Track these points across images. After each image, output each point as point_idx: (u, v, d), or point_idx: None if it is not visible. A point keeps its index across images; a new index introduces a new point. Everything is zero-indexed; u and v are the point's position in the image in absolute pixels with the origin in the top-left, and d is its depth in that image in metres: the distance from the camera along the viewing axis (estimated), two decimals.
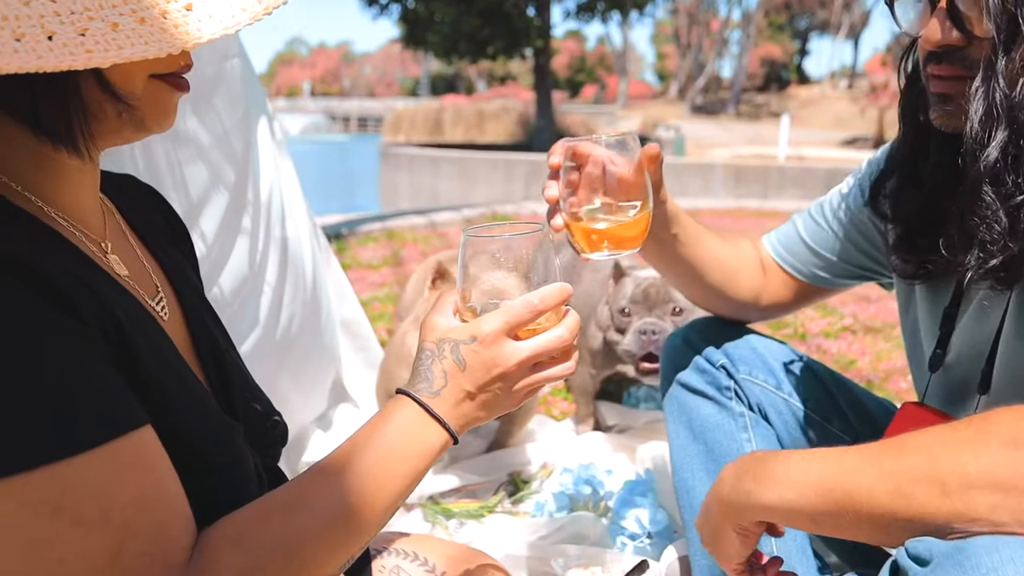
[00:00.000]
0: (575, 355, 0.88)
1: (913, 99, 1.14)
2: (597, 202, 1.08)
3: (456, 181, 13.94)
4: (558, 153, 1.08)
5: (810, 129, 28.90)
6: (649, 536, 1.66)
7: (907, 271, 1.19)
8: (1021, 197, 0.91)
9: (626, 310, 2.10)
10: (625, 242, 1.09)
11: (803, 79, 49.02)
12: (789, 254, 1.42)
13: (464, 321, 0.86)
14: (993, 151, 0.93)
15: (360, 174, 21.46)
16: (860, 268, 1.36)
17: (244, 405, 0.93)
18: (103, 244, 0.81)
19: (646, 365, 2.07)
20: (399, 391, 0.85)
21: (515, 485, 2.00)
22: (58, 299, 0.64)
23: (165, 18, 0.63)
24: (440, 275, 1.86)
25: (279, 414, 1.02)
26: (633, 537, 1.66)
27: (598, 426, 2.35)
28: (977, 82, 0.94)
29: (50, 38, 0.59)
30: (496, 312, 0.83)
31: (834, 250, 1.36)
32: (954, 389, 1.17)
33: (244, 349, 1.65)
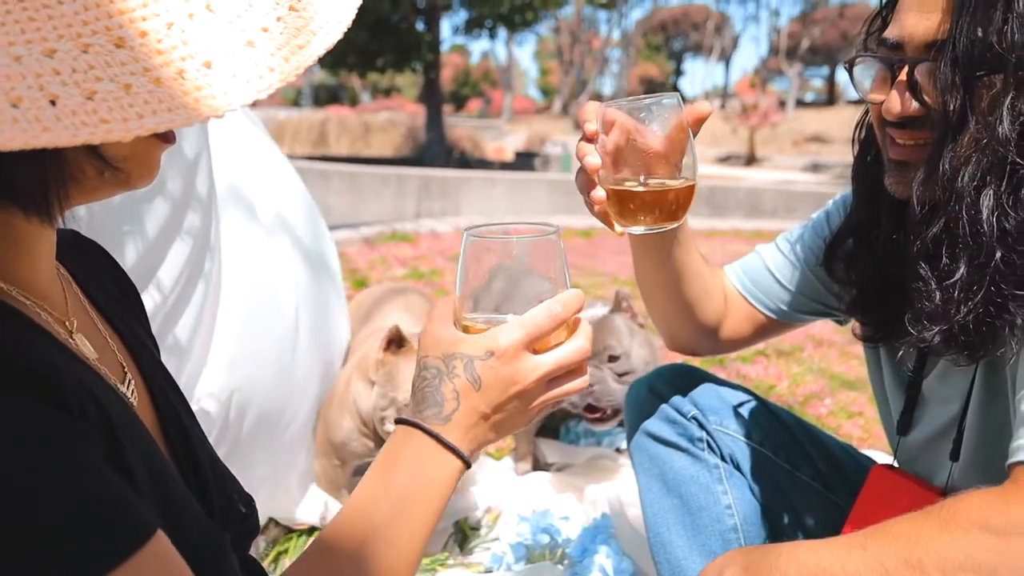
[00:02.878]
0: (587, 367, 0.83)
1: (866, 166, 1.17)
2: (639, 174, 1.00)
3: (346, 196, 13.61)
4: (593, 119, 1.01)
5: None
6: None
7: (866, 333, 1.22)
8: (955, 278, 0.94)
9: None
10: (663, 215, 1.00)
11: None
12: (754, 285, 1.40)
13: (465, 331, 0.78)
14: (931, 232, 0.97)
15: None
16: (822, 304, 1.37)
17: (221, 497, 0.84)
18: (67, 323, 0.72)
19: (589, 416, 2.03)
20: (401, 421, 0.77)
21: (463, 533, 1.93)
22: (58, 399, 0.55)
23: (183, 78, 0.53)
24: (395, 339, 1.74)
25: (252, 499, 0.93)
26: None
27: (537, 464, 2.32)
28: (924, 165, 0.98)
29: (53, 103, 0.49)
30: (514, 323, 0.75)
31: (798, 284, 1.37)
32: (924, 452, 1.20)
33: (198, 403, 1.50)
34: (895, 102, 0.99)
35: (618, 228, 1.06)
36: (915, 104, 0.98)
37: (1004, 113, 0.90)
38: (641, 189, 1.00)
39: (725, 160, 26.49)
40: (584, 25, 39.55)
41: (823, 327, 3.52)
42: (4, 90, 0.47)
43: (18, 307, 0.64)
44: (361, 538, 0.71)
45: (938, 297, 0.96)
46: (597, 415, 2.02)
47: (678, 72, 54.23)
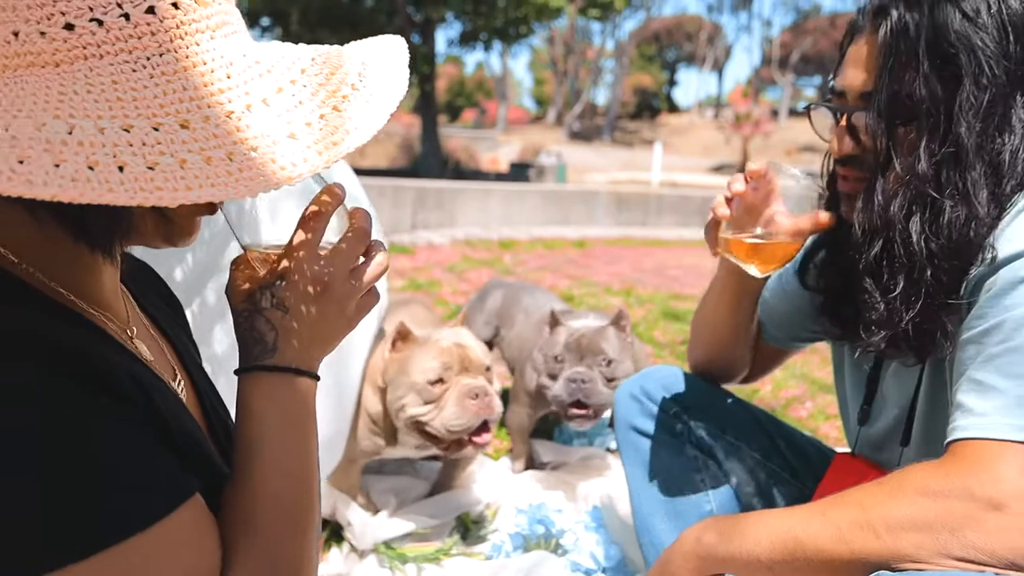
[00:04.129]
0: (383, 244, 0.85)
1: (834, 193, 1.33)
2: (759, 229, 1.20)
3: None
4: (741, 180, 1.19)
5: (680, 156, 30.40)
6: (604, 572, 1.78)
7: (834, 333, 1.38)
8: (895, 292, 1.11)
9: (559, 357, 2.20)
10: (767, 261, 1.21)
11: (672, 108, 51.47)
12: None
13: (262, 265, 0.84)
14: (872, 253, 1.13)
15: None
16: (811, 331, 1.52)
17: None
18: (128, 331, 0.85)
19: (575, 411, 2.16)
20: (240, 371, 0.81)
21: (465, 526, 2.08)
22: (105, 383, 0.66)
23: (231, 160, 0.62)
24: (402, 336, 1.90)
25: None
26: (588, 572, 1.78)
27: (532, 463, 2.46)
28: (862, 196, 1.14)
29: (121, 169, 0.58)
30: (291, 239, 0.80)
31: (791, 315, 1.52)
32: (879, 440, 1.36)
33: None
34: (835, 143, 1.17)
35: (749, 268, 1.23)
36: (851, 145, 1.14)
37: (921, 154, 1.07)
38: (753, 234, 1.20)
39: (719, 169, 26.74)
40: (578, 36, 39.87)
41: None
42: (86, 154, 0.57)
43: (89, 317, 0.78)
44: (262, 494, 0.76)
45: (882, 308, 1.12)
46: (583, 412, 2.15)
47: (672, 82, 54.58)
